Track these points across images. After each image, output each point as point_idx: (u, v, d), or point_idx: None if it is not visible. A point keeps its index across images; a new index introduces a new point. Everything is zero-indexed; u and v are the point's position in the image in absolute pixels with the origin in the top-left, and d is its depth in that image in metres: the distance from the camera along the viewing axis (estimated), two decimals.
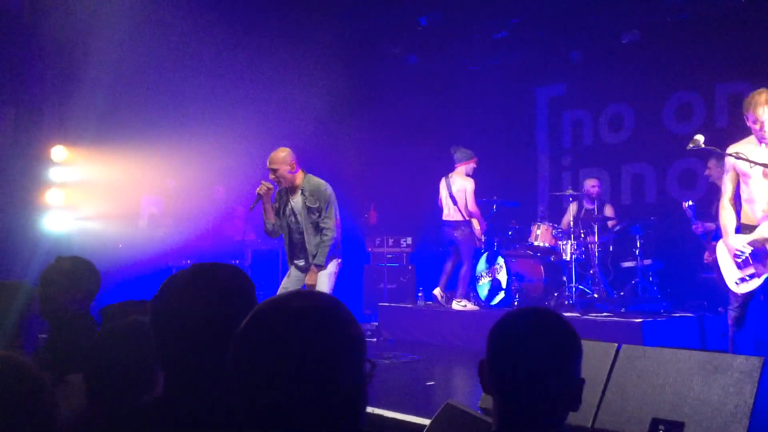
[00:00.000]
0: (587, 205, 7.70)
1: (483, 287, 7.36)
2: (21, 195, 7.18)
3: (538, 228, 7.37)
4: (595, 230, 7.17)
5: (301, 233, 4.95)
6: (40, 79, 7.27)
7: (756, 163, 3.88)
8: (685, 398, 3.33)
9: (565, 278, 7.06)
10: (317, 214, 4.89)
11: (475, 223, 7.34)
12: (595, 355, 3.83)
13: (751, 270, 3.91)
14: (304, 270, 4.96)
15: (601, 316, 6.30)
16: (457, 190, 7.44)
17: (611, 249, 7.26)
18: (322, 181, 5.04)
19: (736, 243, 3.98)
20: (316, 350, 1.18)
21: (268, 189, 4.84)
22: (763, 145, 3.94)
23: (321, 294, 1.35)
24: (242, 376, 1.18)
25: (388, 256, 9.03)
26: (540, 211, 7.95)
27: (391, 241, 9.27)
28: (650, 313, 6.41)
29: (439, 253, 9.32)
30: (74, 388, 2.05)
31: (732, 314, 4.02)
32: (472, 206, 7.35)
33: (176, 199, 8.60)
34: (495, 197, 7.87)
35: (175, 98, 8.21)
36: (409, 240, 9.15)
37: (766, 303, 3.97)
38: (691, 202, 6.74)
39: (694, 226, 6.71)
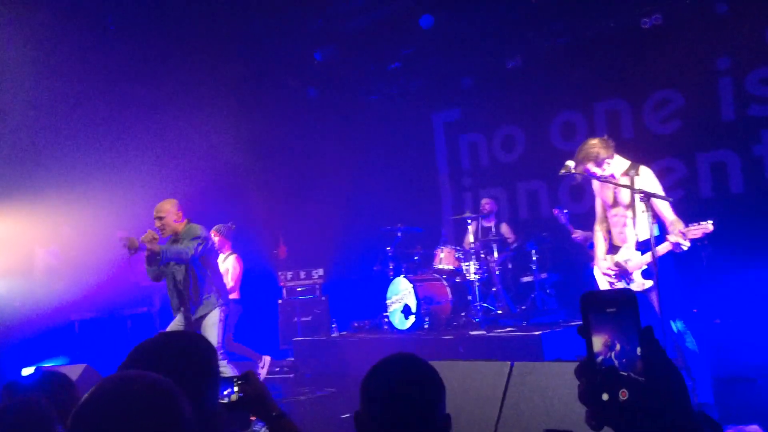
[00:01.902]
0: (484, 224, 8.04)
1: (394, 313, 7.52)
2: None
3: (442, 251, 7.63)
4: (494, 249, 7.50)
5: (180, 280, 5.00)
6: None
7: (615, 184, 4.28)
8: (572, 408, 3.57)
9: (470, 297, 7.33)
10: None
11: None
12: (491, 374, 4.04)
13: (621, 284, 4.30)
14: (187, 318, 5.01)
15: (505, 332, 6.58)
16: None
17: (510, 266, 7.61)
18: (200, 226, 5.12)
19: (603, 266, 4.41)
20: None
21: (153, 238, 4.84)
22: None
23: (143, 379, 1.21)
24: None
25: (299, 289, 9.04)
26: (443, 234, 8.23)
27: (302, 273, 9.28)
28: (549, 324, 6.76)
29: (352, 281, 9.46)
30: None
31: None
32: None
33: (74, 248, 8.30)
34: (399, 224, 8.08)
35: (68, 146, 7.96)
36: (321, 271, 9.19)
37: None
38: (565, 211, 7.18)
39: (573, 236, 7.15)
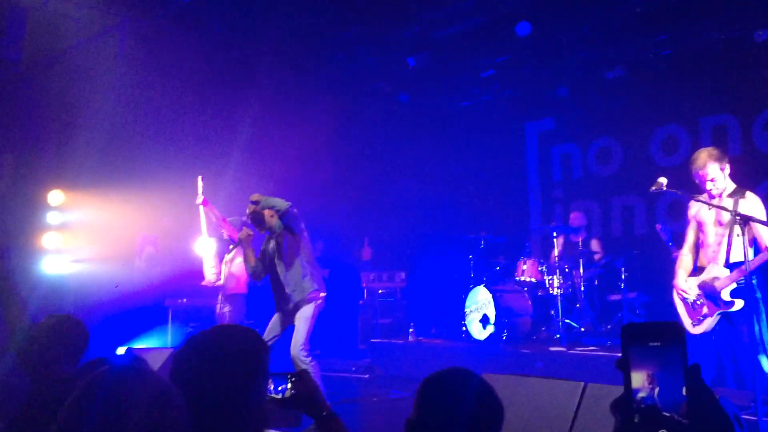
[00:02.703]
0: (572, 238, 7.80)
1: (472, 322, 7.44)
2: (19, 239, 7.37)
3: (525, 263, 7.47)
4: (581, 264, 7.26)
5: (278, 273, 5.07)
6: (38, 127, 7.52)
7: (712, 205, 4.04)
8: None
9: (552, 312, 7.14)
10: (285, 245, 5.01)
11: None
12: (562, 394, 3.91)
13: (704, 310, 4.04)
14: (286, 312, 5.06)
15: (587, 350, 6.36)
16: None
17: (597, 283, 7.34)
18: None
19: (683, 284, 4.18)
20: None
21: (248, 235, 5.00)
22: (715, 200, 4.14)
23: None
24: None
25: (381, 291, 9.13)
26: (527, 245, 8.05)
27: (385, 275, 9.38)
28: None
29: (433, 286, 9.44)
30: None
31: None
32: None
33: (172, 237, 8.75)
34: (483, 233, 7.99)
35: (169, 140, 8.43)
36: (403, 275, 9.26)
37: (724, 338, 4.08)
38: (665, 226, 6.84)
39: (674, 254, 6.79)
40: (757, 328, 3.87)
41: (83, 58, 7.46)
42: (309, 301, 4.97)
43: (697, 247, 4.31)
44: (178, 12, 7.38)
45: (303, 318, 4.90)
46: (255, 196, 5.14)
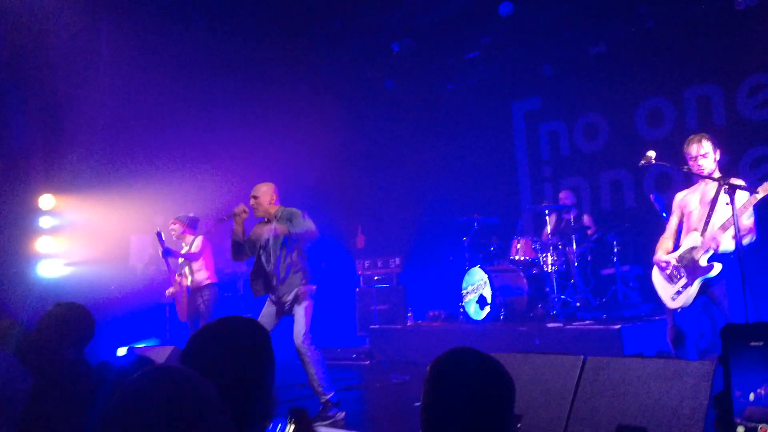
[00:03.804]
0: (564, 216, 7.87)
1: (470, 303, 7.51)
2: (12, 244, 7.35)
3: (519, 242, 7.54)
4: (573, 240, 7.34)
5: (269, 262, 5.09)
6: (26, 130, 7.48)
7: (703, 176, 4.10)
8: (646, 404, 3.48)
9: (547, 289, 7.21)
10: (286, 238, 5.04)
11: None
12: (564, 368, 3.98)
13: (683, 281, 4.10)
14: (280, 296, 5.09)
15: (583, 325, 6.45)
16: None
17: (589, 258, 7.42)
18: (297, 210, 5.19)
19: (663, 257, 4.22)
20: None
21: (244, 210, 5.03)
22: (702, 183, 4.19)
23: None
24: None
25: (377, 277, 9.17)
26: (520, 225, 8.11)
27: (380, 262, 9.41)
28: (630, 318, 6.56)
29: (429, 270, 9.50)
30: None
31: (670, 334, 4.19)
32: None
33: (165, 236, 8.74)
34: (475, 215, 8.04)
35: (160, 137, 8.41)
36: (398, 260, 9.29)
37: (708, 305, 4.14)
38: (662, 197, 6.89)
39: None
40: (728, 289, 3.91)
41: (69, 59, 7.41)
42: (302, 294, 5.00)
43: (678, 234, 4.37)
44: (161, 8, 7.34)
45: (300, 310, 4.95)
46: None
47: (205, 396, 1.18)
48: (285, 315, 5.09)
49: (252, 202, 5.13)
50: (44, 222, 7.74)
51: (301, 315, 4.92)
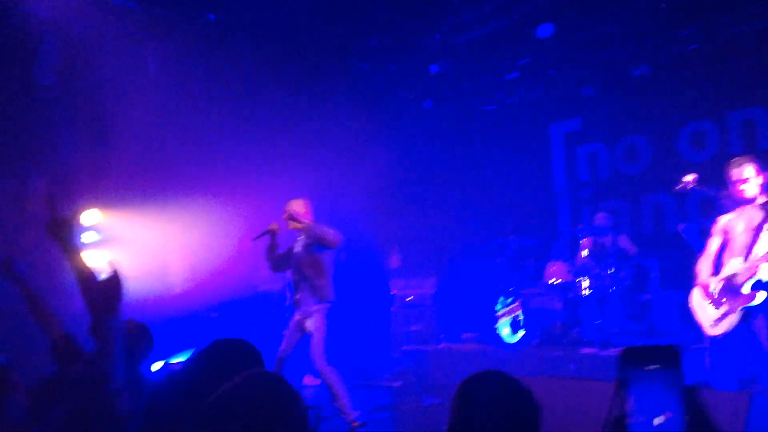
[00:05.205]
0: (600, 239, 7.73)
1: (503, 326, 7.42)
2: (57, 259, 7.56)
3: (554, 265, 7.43)
4: (610, 264, 7.19)
5: (299, 273, 5.17)
6: (73, 148, 7.73)
7: (743, 202, 4.00)
8: None
9: (583, 314, 7.07)
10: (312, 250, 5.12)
11: None
12: (596, 395, 3.89)
13: (725, 308, 3.97)
14: (301, 312, 5.14)
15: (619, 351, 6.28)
16: None
17: (627, 283, 7.25)
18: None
19: (707, 280, 4.10)
20: None
21: (278, 227, 5.14)
22: (747, 208, 4.06)
23: None
24: None
25: (410, 298, 9.14)
26: (556, 247, 8.01)
27: (414, 282, 9.38)
28: None
29: (463, 291, 9.42)
30: None
31: (708, 362, 4.07)
32: None
33: (205, 252, 8.89)
34: (511, 236, 7.97)
35: (201, 154, 8.59)
36: (433, 281, 9.26)
37: (748, 334, 4.01)
38: (689, 225, 6.69)
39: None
40: None
41: (116, 79, 7.67)
42: (316, 312, 5.06)
43: (719, 257, 4.25)
44: (205, 30, 7.55)
45: (315, 329, 5.01)
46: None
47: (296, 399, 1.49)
48: (305, 333, 5.14)
49: (285, 216, 5.26)
50: (88, 237, 7.95)
51: (315, 334, 4.97)
